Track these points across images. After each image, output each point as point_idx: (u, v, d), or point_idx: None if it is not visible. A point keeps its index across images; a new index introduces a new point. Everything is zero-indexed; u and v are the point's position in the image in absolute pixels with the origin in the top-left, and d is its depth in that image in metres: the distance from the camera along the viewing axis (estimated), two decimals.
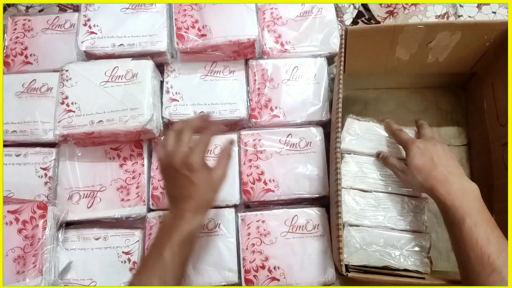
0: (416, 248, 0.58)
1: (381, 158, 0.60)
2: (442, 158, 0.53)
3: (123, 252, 0.62)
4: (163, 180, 0.55)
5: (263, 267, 0.61)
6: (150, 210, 0.65)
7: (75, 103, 0.63)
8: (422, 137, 0.58)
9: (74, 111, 0.63)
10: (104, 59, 0.67)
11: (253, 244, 0.62)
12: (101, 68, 0.66)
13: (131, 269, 0.62)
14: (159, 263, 0.47)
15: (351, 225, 0.58)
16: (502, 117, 0.62)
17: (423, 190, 0.54)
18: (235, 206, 0.66)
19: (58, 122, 0.62)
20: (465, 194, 0.49)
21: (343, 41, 0.58)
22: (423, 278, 0.55)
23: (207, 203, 0.52)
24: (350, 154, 0.61)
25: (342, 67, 0.61)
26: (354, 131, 0.62)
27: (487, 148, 0.66)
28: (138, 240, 0.63)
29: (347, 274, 0.52)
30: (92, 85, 0.65)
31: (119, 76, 0.65)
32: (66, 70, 0.65)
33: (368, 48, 0.61)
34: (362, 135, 0.62)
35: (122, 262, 0.62)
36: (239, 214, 0.64)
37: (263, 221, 0.63)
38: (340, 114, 0.59)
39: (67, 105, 0.63)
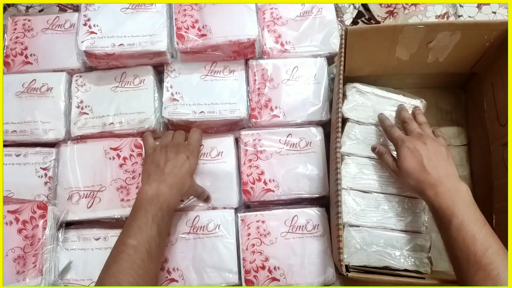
0: (416, 249, 0.58)
1: (376, 153, 0.60)
2: (432, 159, 0.53)
3: None
4: (145, 162, 0.63)
5: (263, 268, 0.61)
6: None
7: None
8: (411, 134, 0.57)
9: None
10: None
11: (253, 245, 0.62)
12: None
13: None
14: (153, 228, 0.52)
15: (351, 226, 0.58)
16: (502, 117, 0.62)
17: (414, 192, 0.55)
18: (234, 209, 0.66)
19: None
20: (452, 195, 0.50)
21: (343, 41, 0.58)
22: (423, 278, 0.55)
23: (183, 184, 0.59)
24: (350, 156, 0.61)
25: (342, 67, 0.61)
26: (355, 136, 0.62)
27: (487, 148, 0.66)
28: None
29: (347, 274, 0.52)
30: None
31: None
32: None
33: (368, 48, 0.61)
34: (363, 140, 0.62)
35: None
36: (239, 215, 0.64)
37: (263, 221, 0.63)
38: (340, 114, 0.59)
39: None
